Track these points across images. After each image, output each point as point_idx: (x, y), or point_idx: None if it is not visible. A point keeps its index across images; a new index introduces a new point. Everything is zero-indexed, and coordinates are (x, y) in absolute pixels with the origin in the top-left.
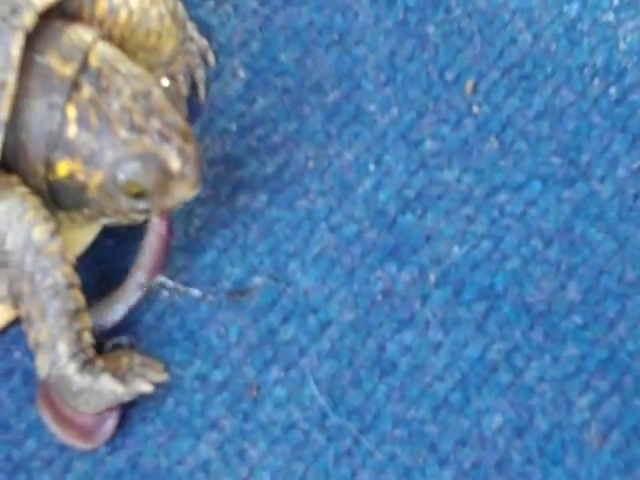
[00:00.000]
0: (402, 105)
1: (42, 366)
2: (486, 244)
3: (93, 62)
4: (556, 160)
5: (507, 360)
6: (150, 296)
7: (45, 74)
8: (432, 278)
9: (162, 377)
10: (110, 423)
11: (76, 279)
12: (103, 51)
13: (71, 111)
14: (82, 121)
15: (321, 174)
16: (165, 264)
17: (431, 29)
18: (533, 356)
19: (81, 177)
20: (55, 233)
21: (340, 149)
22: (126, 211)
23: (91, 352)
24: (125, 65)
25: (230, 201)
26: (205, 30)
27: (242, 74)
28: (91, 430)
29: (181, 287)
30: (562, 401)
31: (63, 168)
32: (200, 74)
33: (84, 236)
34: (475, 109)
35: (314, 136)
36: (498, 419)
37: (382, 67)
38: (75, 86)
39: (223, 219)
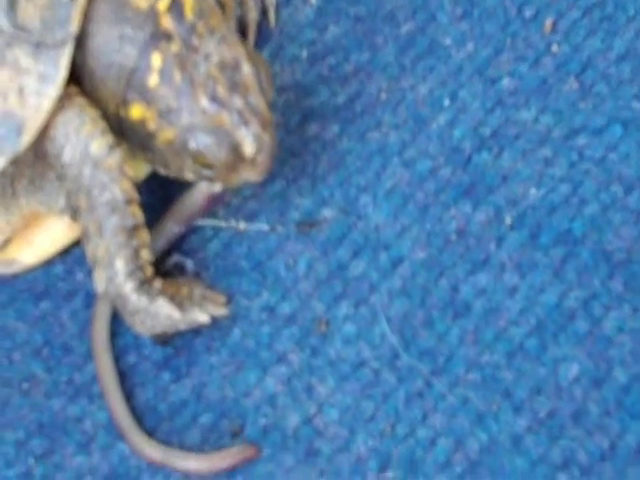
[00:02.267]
0: (478, 40)
1: (99, 282)
2: (564, 188)
3: (189, 14)
4: (637, 105)
5: (585, 308)
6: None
7: (119, 2)
8: (508, 220)
9: (222, 311)
10: None
11: (135, 195)
12: (200, 4)
13: (156, 60)
14: (165, 74)
15: (394, 107)
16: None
17: None
18: (612, 305)
19: (152, 126)
20: (114, 146)
21: (414, 82)
22: (188, 172)
23: (149, 271)
24: (220, 28)
25: (300, 130)
26: None
27: (313, 0)
28: None
29: (244, 225)
30: None
31: (137, 111)
32: None
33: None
34: (554, 48)
35: (387, 67)
36: (575, 369)
37: (458, 0)
38: (166, 36)
39: (293, 148)
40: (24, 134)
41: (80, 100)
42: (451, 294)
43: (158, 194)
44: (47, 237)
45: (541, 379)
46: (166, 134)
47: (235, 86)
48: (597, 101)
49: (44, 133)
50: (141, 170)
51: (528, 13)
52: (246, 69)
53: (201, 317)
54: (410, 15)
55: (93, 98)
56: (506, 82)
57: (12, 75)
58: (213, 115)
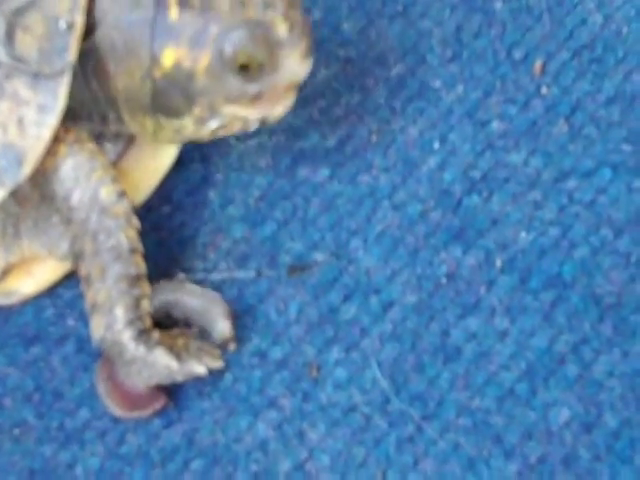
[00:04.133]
0: (468, 82)
1: (97, 329)
2: (554, 231)
3: None
4: (627, 147)
5: (575, 352)
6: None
7: None
8: (498, 263)
9: (217, 364)
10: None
11: (139, 245)
12: None
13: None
14: (183, 1)
15: (384, 149)
16: None
17: (498, 5)
18: (602, 350)
19: (188, 64)
20: (122, 194)
21: (404, 124)
22: (238, 99)
23: (148, 322)
24: None
25: (290, 172)
26: None
27: None
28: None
29: (235, 272)
30: (631, 398)
31: (169, 57)
32: None
33: (149, 181)
34: (544, 90)
35: (377, 110)
36: (565, 413)
37: (448, 42)
38: None
39: (283, 191)
40: (25, 165)
41: (91, 146)
42: (442, 338)
43: (162, 247)
44: (46, 267)
45: (531, 424)
46: (202, 62)
47: None
48: (587, 144)
49: (53, 174)
50: (153, 177)
51: (517, 55)
52: None
53: (198, 369)
54: (400, 57)
55: (117, 79)
56: (496, 124)
57: (11, 106)
58: (239, 12)
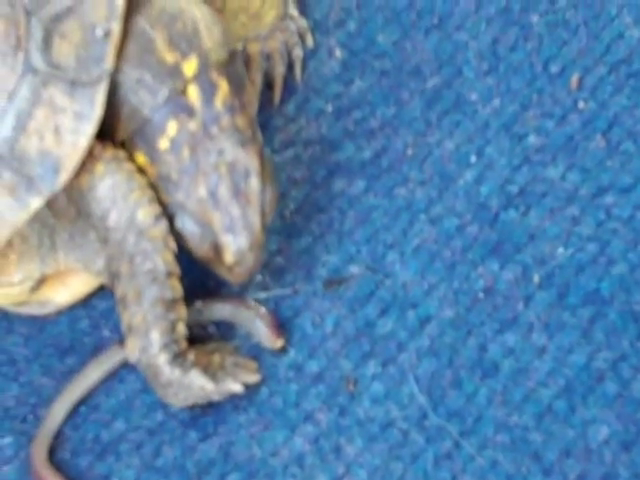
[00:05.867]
0: (504, 96)
1: (132, 351)
2: (592, 247)
3: (218, 103)
4: None
5: (614, 370)
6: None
7: (147, 46)
8: (536, 279)
9: (254, 378)
10: None
11: (176, 268)
12: (233, 97)
13: (172, 128)
14: (176, 145)
15: (420, 163)
16: None
17: (535, 18)
18: None
19: (150, 179)
20: (160, 217)
21: (440, 138)
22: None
23: (184, 344)
24: (246, 130)
25: (326, 185)
26: (300, 6)
27: (339, 54)
28: None
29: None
30: None
31: (140, 160)
32: (298, 53)
33: None
34: (581, 105)
35: (413, 122)
36: (604, 431)
37: (484, 55)
38: (188, 110)
39: (319, 203)
40: (61, 173)
41: (129, 166)
42: (479, 354)
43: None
44: (81, 278)
45: (570, 441)
46: (160, 195)
47: (238, 193)
48: (624, 159)
49: (89, 193)
50: None
51: (554, 69)
52: (254, 183)
53: (234, 387)
54: (436, 69)
55: (106, 123)
56: (533, 139)
57: (48, 114)
58: (206, 209)
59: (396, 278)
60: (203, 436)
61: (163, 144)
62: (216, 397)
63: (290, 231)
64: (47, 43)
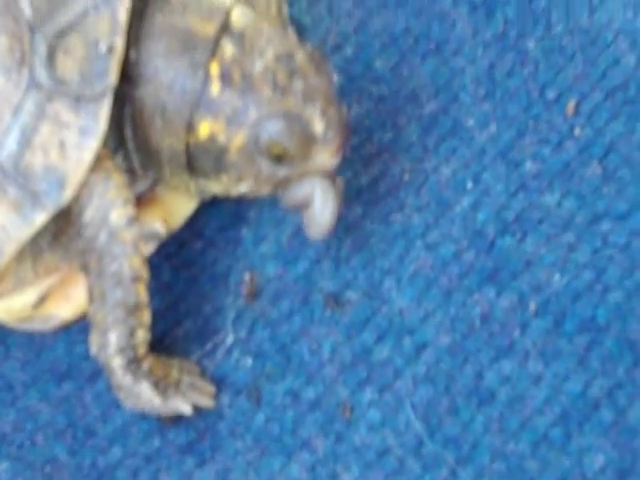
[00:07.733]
0: (501, 122)
1: (93, 345)
2: (588, 274)
3: (236, 24)
4: None
5: (610, 397)
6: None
7: (185, 34)
8: (532, 306)
9: (207, 403)
10: None
11: (144, 273)
12: (244, 13)
13: (214, 68)
14: (225, 78)
15: (417, 189)
16: None
17: (531, 44)
18: (637, 395)
19: (222, 139)
20: (132, 220)
21: (437, 164)
22: (265, 178)
23: (142, 351)
24: (268, 27)
25: None
26: (298, 30)
27: (336, 78)
28: None
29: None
30: None
31: (205, 129)
32: None
33: (184, 209)
34: (577, 131)
35: (410, 148)
36: (600, 459)
37: (481, 81)
38: (218, 46)
39: None
40: (66, 188)
41: (108, 164)
42: (475, 381)
43: (193, 284)
44: (84, 291)
45: (566, 469)
46: (237, 140)
47: (293, 72)
48: (620, 186)
49: None
50: (180, 216)
51: (550, 95)
52: (300, 55)
53: (183, 407)
54: (433, 95)
55: (157, 135)
56: (529, 165)
57: (53, 129)
58: (278, 102)
59: (393, 304)
60: (200, 462)
61: (215, 89)
62: (163, 412)
63: (287, 256)
64: (51, 58)
